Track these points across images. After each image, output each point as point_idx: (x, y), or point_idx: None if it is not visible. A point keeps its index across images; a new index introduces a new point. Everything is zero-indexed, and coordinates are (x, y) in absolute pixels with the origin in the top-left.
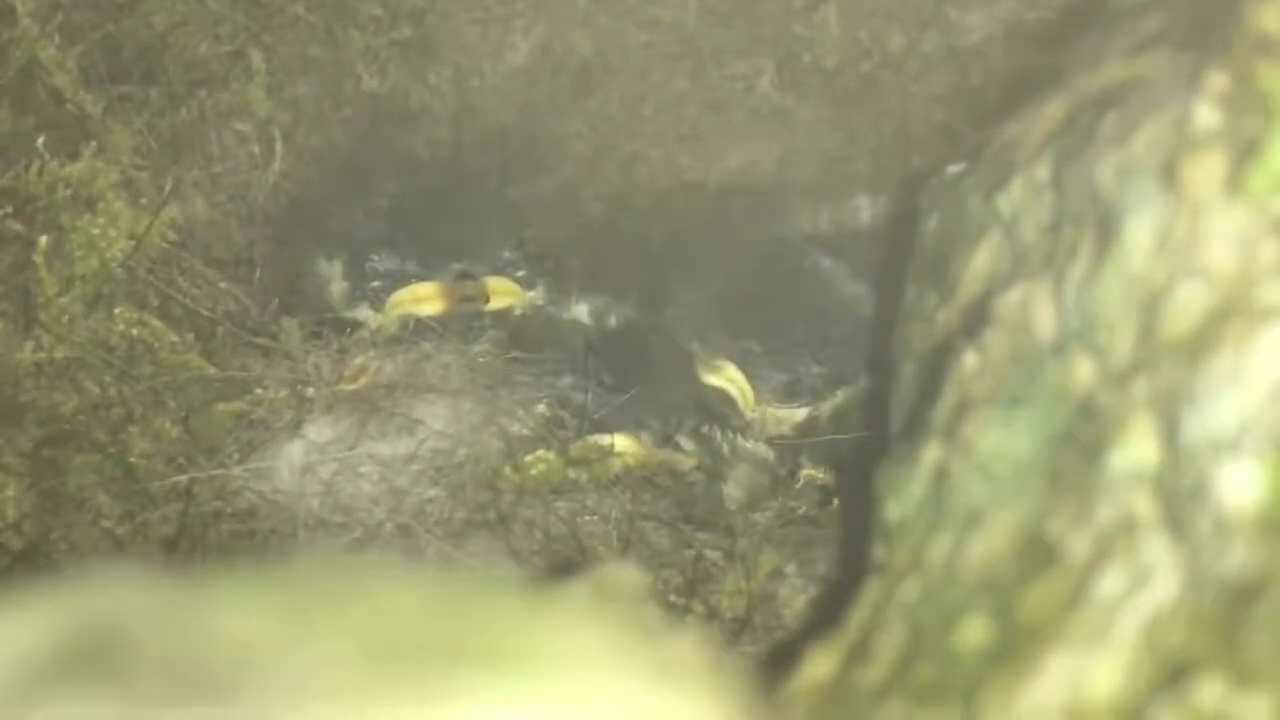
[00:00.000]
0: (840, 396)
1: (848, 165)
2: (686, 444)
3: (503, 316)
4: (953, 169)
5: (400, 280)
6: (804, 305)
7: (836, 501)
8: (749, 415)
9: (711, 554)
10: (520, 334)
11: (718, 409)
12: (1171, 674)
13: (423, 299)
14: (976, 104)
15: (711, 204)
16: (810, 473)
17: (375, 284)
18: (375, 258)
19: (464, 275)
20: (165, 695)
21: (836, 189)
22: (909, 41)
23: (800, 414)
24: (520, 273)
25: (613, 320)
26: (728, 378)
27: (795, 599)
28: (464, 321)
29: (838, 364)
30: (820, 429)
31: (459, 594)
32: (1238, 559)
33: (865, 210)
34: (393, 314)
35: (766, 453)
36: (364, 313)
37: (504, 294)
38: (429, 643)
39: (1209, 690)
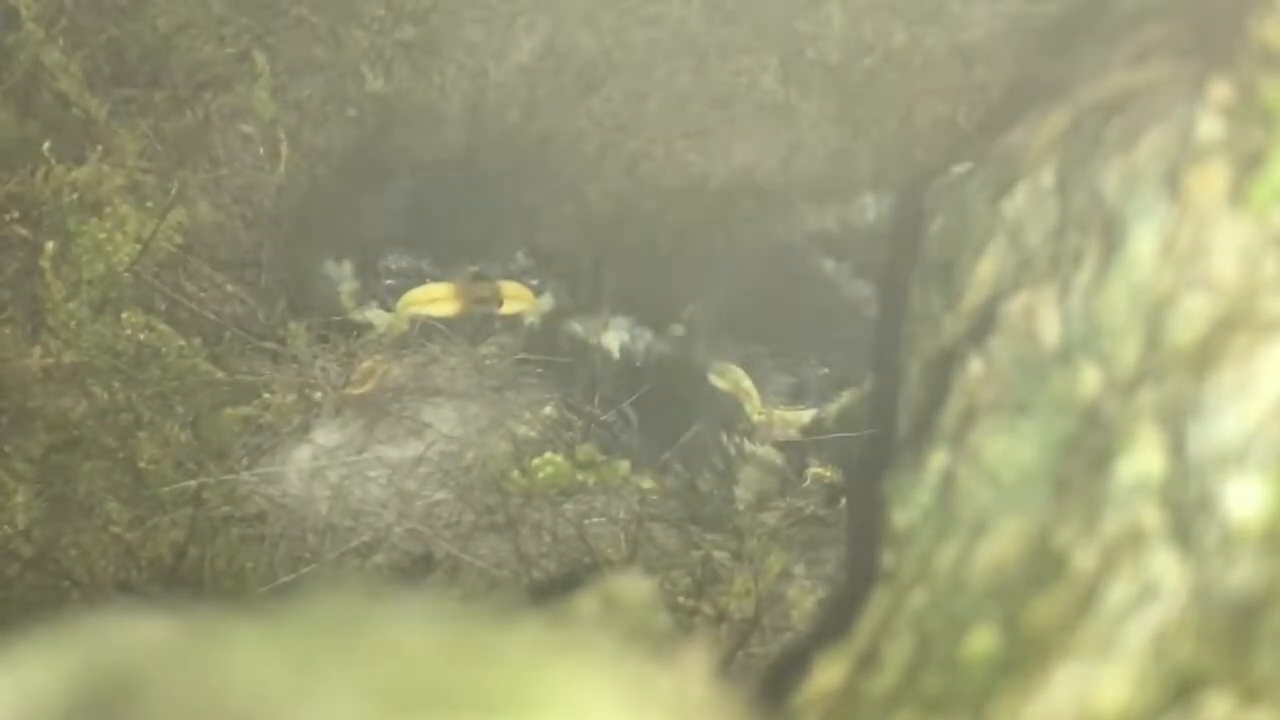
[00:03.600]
0: (846, 398)
1: (852, 160)
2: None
3: (514, 322)
4: (957, 168)
5: (412, 280)
6: (808, 307)
7: (844, 500)
8: (755, 419)
9: (719, 555)
10: (545, 352)
11: (724, 413)
12: (1179, 688)
13: (437, 299)
14: (980, 99)
15: (716, 202)
16: (818, 471)
17: (389, 282)
18: (388, 257)
19: (479, 277)
20: None
21: (841, 185)
22: (912, 37)
23: (807, 416)
24: (534, 281)
25: (641, 353)
26: (734, 382)
27: (804, 599)
28: (476, 324)
29: (843, 366)
30: (827, 431)
31: (471, 633)
32: (1244, 573)
33: (870, 208)
34: (405, 313)
35: (774, 456)
36: (373, 313)
37: (517, 299)
38: (441, 689)
39: (1217, 705)
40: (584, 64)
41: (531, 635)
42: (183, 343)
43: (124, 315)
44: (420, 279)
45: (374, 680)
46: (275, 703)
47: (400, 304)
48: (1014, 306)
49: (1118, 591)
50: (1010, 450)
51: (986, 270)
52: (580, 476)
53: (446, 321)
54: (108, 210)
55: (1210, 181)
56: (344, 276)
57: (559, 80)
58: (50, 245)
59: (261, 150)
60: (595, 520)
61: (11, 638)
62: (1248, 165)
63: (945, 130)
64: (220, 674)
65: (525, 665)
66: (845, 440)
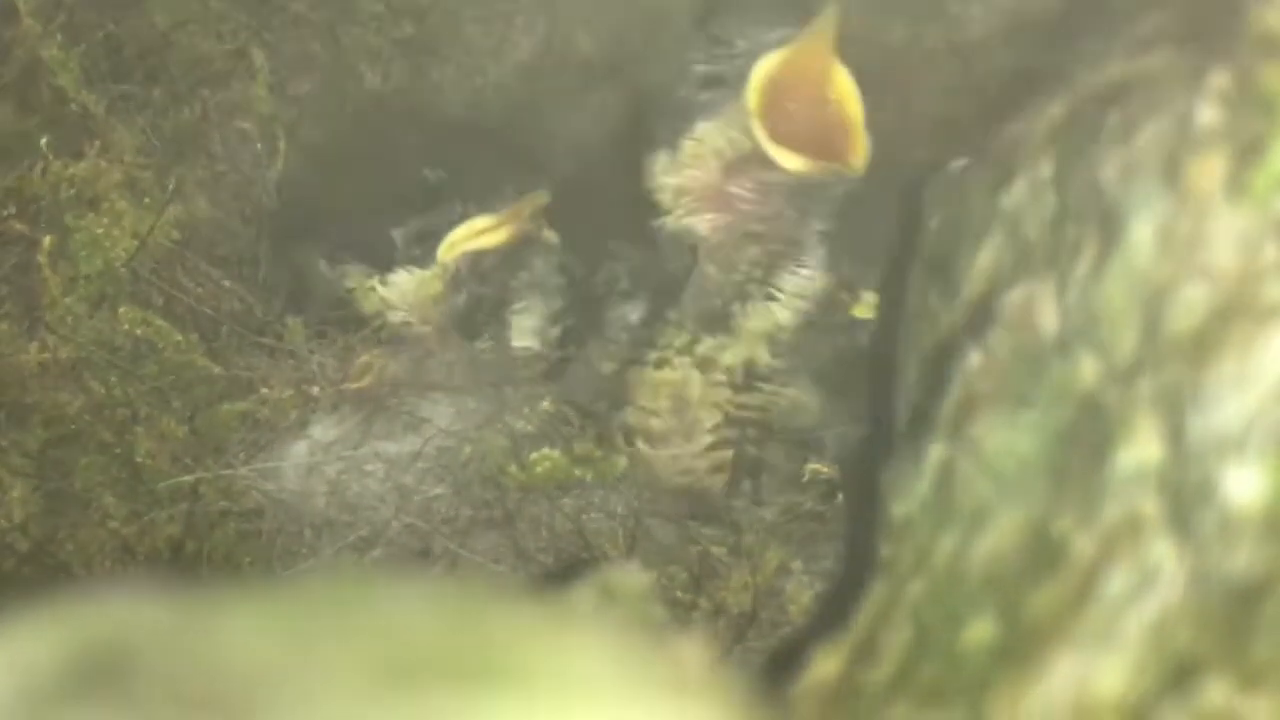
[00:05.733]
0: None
1: None
2: None
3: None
4: (956, 164)
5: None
6: None
7: (842, 496)
8: None
9: (717, 550)
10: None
11: None
12: (1178, 674)
13: (484, 230)
14: (978, 97)
15: None
16: (815, 467)
17: (416, 251)
18: (408, 223)
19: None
20: (173, 717)
21: None
22: (910, 35)
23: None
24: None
25: None
26: None
27: (801, 594)
28: (474, 320)
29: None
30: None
31: (467, 610)
32: (1243, 559)
33: None
34: (449, 257)
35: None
36: (398, 278)
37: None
38: (437, 664)
39: (1215, 691)
40: (583, 63)
41: (529, 611)
42: (180, 338)
43: (121, 310)
44: (449, 227)
45: (369, 653)
46: (270, 676)
47: (443, 249)
48: (1013, 298)
49: (1117, 580)
50: (1009, 441)
51: (985, 263)
52: (578, 471)
53: (495, 253)
54: (105, 206)
55: (1209, 170)
56: (343, 274)
57: (558, 79)
58: (47, 240)
59: (259, 146)
60: (593, 515)
61: (8, 620)
62: (1247, 154)
63: (944, 128)
64: (215, 648)
65: (522, 638)
66: (843, 435)
